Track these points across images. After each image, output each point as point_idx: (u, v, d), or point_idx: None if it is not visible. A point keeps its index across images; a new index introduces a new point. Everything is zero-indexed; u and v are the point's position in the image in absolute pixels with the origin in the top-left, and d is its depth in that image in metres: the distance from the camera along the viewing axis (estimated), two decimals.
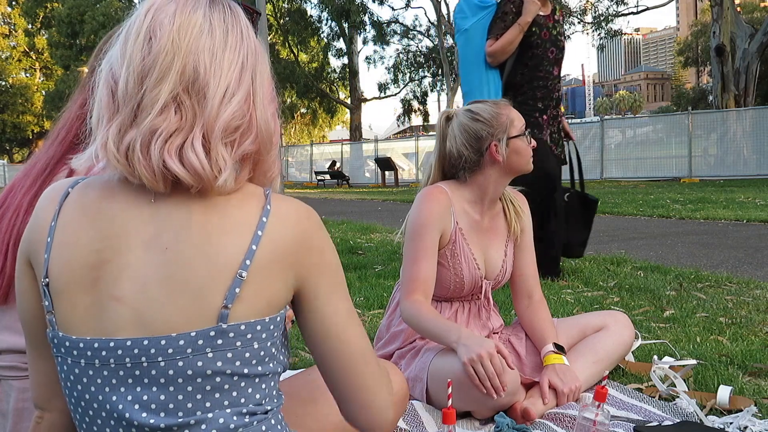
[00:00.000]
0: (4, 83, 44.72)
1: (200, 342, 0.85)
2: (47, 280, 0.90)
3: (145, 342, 0.86)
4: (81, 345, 0.88)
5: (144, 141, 0.86)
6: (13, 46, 46.26)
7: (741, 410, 1.87)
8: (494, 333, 2.15)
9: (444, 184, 2.10)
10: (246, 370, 0.88)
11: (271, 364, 0.92)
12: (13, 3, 44.61)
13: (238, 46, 0.92)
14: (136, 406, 0.87)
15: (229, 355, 0.87)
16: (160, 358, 0.86)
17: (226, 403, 0.88)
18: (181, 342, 0.85)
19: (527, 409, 1.86)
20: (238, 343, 0.87)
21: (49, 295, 0.90)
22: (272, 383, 0.94)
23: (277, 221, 0.92)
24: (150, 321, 0.86)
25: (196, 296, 0.86)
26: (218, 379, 0.87)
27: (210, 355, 0.86)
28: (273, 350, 0.92)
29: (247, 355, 0.88)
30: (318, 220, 0.97)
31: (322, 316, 0.96)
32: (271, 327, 0.91)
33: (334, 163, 25.72)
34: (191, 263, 0.86)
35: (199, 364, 0.86)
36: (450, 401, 1.44)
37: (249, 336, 0.88)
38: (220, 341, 0.86)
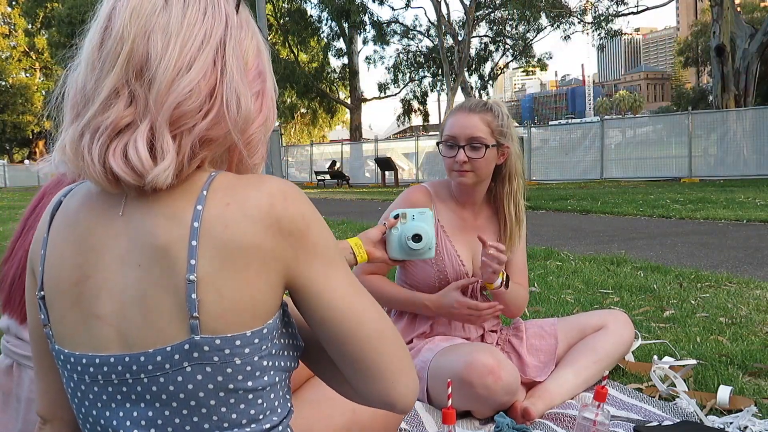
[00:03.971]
0: (4, 83, 44.73)
1: (176, 357, 0.81)
2: (42, 293, 0.88)
3: (127, 359, 0.83)
4: (72, 359, 0.86)
5: (91, 140, 0.81)
6: (13, 46, 46.27)
7: (741, 410, 1.87)
8: (491, 331, 2.15)
9: (431, 183, 2.15)
10: (231, 385, 0.82)
11: (264, 378, 0.84)
12: (13, 3, 44.62)
13: (199, 20, 0.83)
14: (128, 423, 0.84)
15: (208, 369, 0.81)
16: (142, 375, 0.82)
17: (215, 418, 0.83)
18: (159, 358, 0.81)
19: (527, 409, 1.86)
20: (216, 358, 0.80)
21: (44, 308, 0.89)
22: (272, 396, 0.86)
23: (218, 206, 0.81)
24: (132, 340, 0.83)
25: (168, 313, 0.81)
26: (201, 395, 0.82)
27: (188, 369, 0.81)
28: (265, 363, 0.84)
29: (229, 370, 0.81)
30: (295, 195, 0.84)
31: (324, 303, 0.85)
32: (256, 341, 0.82)
33: (334, 163, 25.69)
34: (161, 281, 0.81)
35: (179, 379, 0.81)
36: (450, 401, 1.44)
37: (227, 351, 0.80)
38: (195, 354, 0.80)
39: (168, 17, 0.81)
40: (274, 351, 0.85)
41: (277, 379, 0.87)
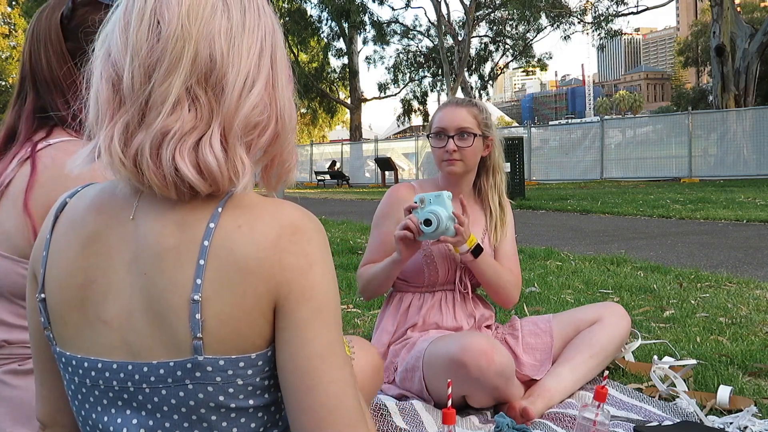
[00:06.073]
0: (4, 83, 44.70)
1: (179, 373, 0.79)
2: (43, 295, 0.86)
3: (130, 367, 0.81)
4: (74, 362, 0.85)
5: (154, 144, 0.77)
6: (13, 46, 46.26)
7: (741, 410, 1.87)
8: (486, 327, 2.15)
9: (418, 181, 2.28)
10: (233, 404, 0.81)
11: (266, 396, 0.83)
12: (13, 3, 44.65)
13: (257, 26, 0.81)
14: (125, 429, 0.83)
15: (210, 389, 0.79)
16: (144, 385, 0.81)
17: None
18: (162, 371, 0.80)
19: (527, 409, 1.86)
20: (218, 379, 0.79)
21: (44, 311, 0.87)
22: (272, 408, 0.85)
23: (229, 227, 0.79)
24: (136, 348, 0.81)
25: (170, 327, 0.79)
26: (203, 410, 0.80)
27: (190, 386, 0.79)
28: (267, 383, 0.82)
29: (231, 390, 0.80)
30: (306, 232, 0.81)
31: (288, 350, 0.79)
32: (260, 363, 0.81)
33: (334, 163, 25.72)
34: (164, 294, 0.79)
35: (181, 394, 0.80)
36: (450, 401, 1.44)
37: (230, 372, 0.79)
38: (198, 374, 0.79)
39: (228, 20, 0.79)
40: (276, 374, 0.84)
41: (279, 394, 0.85)
